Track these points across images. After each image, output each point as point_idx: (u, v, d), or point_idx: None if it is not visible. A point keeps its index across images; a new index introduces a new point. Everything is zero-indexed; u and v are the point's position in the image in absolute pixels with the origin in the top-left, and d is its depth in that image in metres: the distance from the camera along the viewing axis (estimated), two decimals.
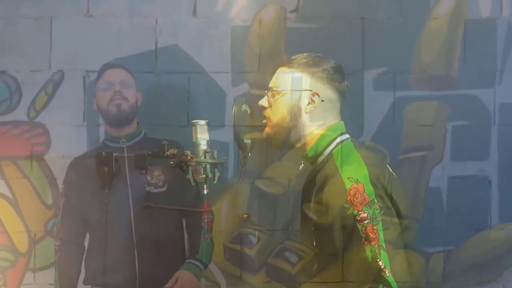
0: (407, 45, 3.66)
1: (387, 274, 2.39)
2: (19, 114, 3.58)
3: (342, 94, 2.63)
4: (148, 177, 3.40)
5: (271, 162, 3.66)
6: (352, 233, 2.43)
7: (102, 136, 3.53)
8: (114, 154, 2.87)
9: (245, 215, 3.58)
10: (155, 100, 3.60)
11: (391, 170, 2.61)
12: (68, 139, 3.56)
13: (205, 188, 2.66)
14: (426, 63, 3.67)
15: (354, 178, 2.44)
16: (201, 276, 3.46)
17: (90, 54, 3.59)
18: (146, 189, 3.41)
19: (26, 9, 3.57)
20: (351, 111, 2.75)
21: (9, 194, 3.56)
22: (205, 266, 3.46)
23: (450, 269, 3.70)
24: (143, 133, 3.52)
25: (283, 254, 3.66)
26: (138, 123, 3.51)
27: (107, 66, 3.49)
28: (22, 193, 3.57)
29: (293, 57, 2.66)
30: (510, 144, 3.69)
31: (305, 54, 2.64)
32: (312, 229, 2.57)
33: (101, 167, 2.87)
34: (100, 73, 3.48)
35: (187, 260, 3.43)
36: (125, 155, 3.15)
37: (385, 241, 2.42)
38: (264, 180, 3.67)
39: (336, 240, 2.48)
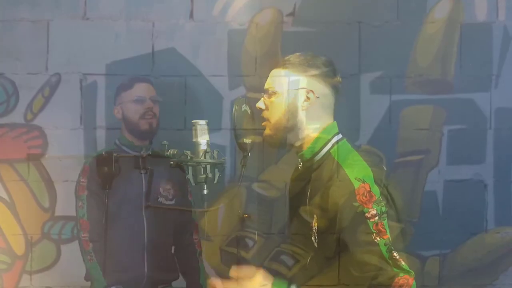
0: (404, 49, 3.67)
1: (403, 263, 2.45)
2: (16, 116, 3.58)
3: (335, 89, 2.66)
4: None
5: (268, 165, 3.67)
6: (360, 230, 2.47)
7: (99, 138, 3.55)
8: (114, 154, 2.88)
9: (245, 215, 3.59)
10: None
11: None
12: (65, 141, 3.56)
13: (205, 188, 2.67)
14: (422, 67, 3.68)
15: (361, 178, 2.49)
16: None
17: (87, 57, 3.59)
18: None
19: (23, 12, 3.57)
20: (348, 115, 2.77)
21: (6, 197, 3.56)
22: None
23: (445, 273, 3.71)
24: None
25: (279, 257, 3.65)
26: None
27: (137, 80, 3.51)
28: (19, 195, 3.57)
29: (286, 58, 2.70)
30: (506, 148, 3.70)
31: (297, 53, 2.68)
32: (313, 229, 2.59)
33: (101, 167, 2.88)
34: (130, 85, 3.49)
35: None
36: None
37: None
38: (260, 183, 3.67)
39: (335, 240, 2.51)
